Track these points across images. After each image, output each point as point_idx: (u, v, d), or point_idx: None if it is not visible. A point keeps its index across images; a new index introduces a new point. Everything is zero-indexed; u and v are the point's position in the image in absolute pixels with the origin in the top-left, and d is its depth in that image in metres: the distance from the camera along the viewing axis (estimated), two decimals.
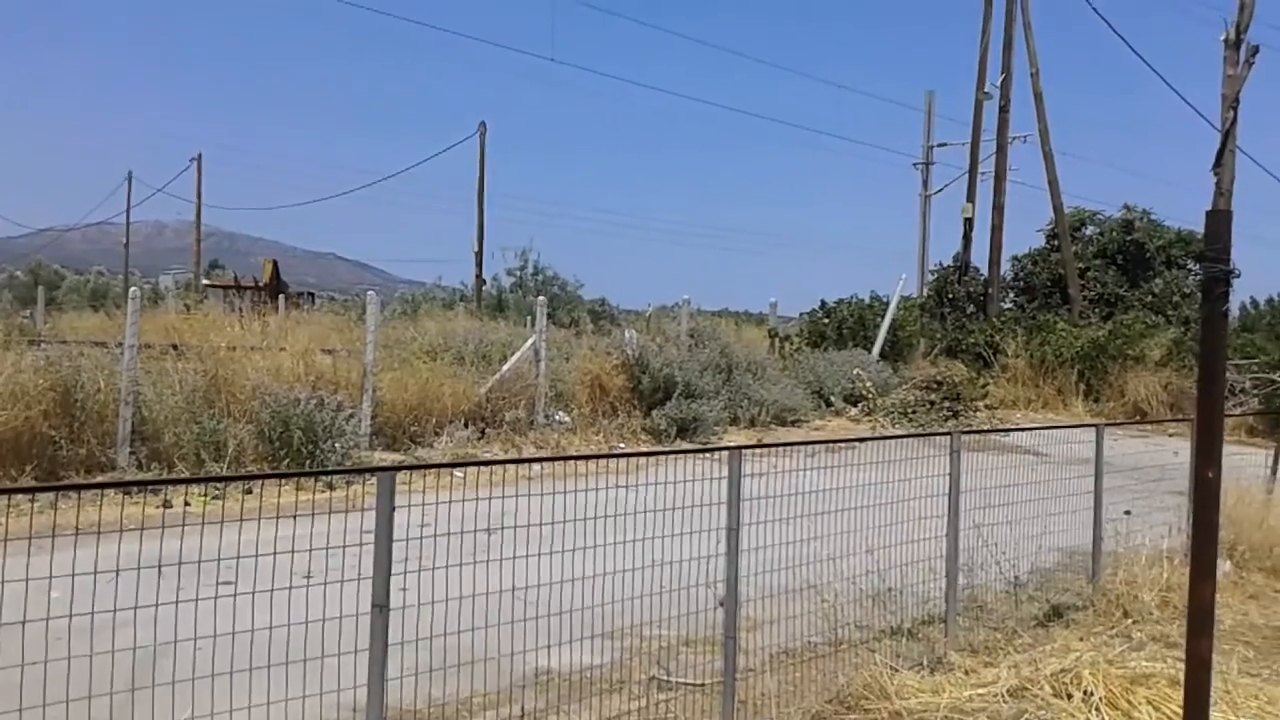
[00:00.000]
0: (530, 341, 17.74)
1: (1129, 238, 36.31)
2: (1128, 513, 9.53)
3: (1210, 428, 3.87)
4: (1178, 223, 37.52)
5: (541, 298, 19.52)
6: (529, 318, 24.46)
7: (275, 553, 4.13)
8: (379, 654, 4.15)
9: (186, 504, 10.45)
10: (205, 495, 10.57)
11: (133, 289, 14.07)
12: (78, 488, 5.78)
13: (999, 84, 31.32)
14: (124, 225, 70.31)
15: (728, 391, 19.88)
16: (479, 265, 43.40)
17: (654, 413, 17.85)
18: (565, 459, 5.73)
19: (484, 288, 42.76)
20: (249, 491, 10.30)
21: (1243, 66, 9.72)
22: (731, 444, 10.72)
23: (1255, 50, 9.70)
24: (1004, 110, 31.38)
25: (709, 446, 15.84)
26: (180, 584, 3.99)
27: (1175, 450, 11.35)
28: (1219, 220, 3.82)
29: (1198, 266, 35.86)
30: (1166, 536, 8.72)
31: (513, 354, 17.72)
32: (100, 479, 11.14)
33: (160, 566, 3.93)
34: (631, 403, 18.19)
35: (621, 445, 16.55)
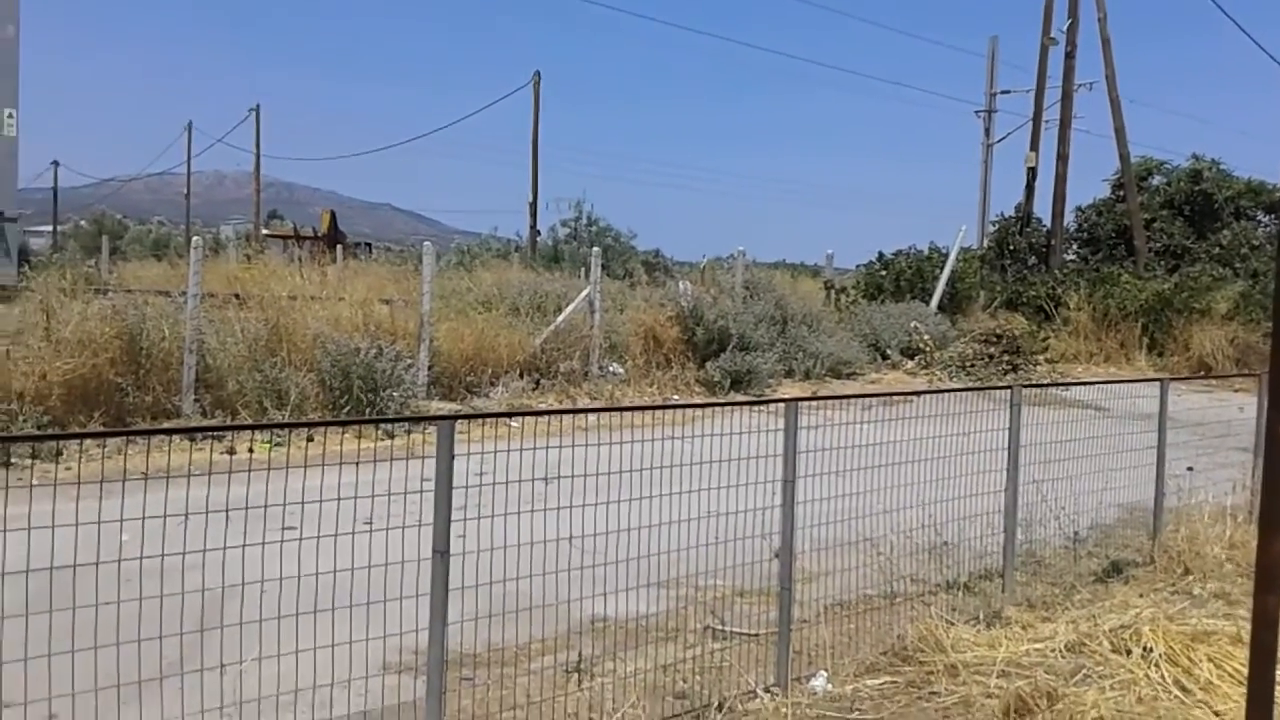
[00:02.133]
0: (584, 293, 17.76)
1: (1197, 188, 35.39)
2: (1190, 469, 9.38)
3: None
4: (1248, 173, 36.51)
5: (596, 249, 19.52)
6: (583, 269, 24.49)
7: (338, 499, 4.20)
8: (440, 599, 4.22)
9: (250, 450, 10.64)
10: (269, 442, 10.76)
11: (195, 239, 14.27)
12: (145, 433, 5.90)
13: (1065, 29, 30.51)
14: (185, 175, 71.29)
15: (782, 344, 19.78)
16: (533, 216, 43.47)
17: (708, 364, 17.83)
18: (620, 410, 5.74)
19: (538, 239, 42.83)
20: (310, 439, 10.41)
21: None
22: (786, 396, 10.70)
23: None
24: (1070, 56, 30.57)
25: (764, 399, 15.81)
26: (245, 528, 4.08)
27: (1241, 406, 11.14)
28: None
29: (1268, 217, 34.95)
30: (1230, 493, 8.58)
31: (567, 305, 17.76)
32: (166, 425, 11.39)
33: (227, 511, 4.02)
34: (685, 354, 18.18)
35: (675, 397, 16.57)
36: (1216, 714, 4.80)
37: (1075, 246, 35.72)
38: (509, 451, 4.70)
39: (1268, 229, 34.84)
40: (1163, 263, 32.06)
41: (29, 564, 3.50)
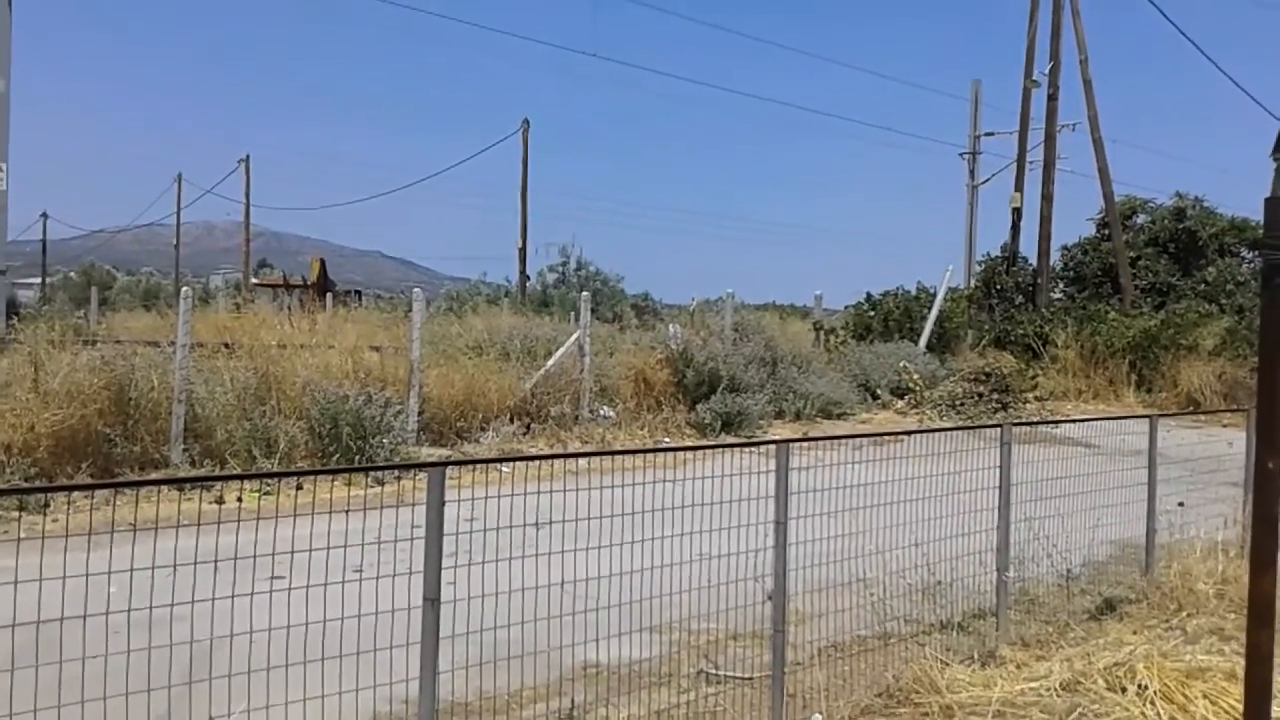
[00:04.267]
0: (574, 337, 17.79)
1: (1181, 225, 35.73)
2: (1181, 504, 9.39)
3: (1272, 416, 3.79)
4: (1231, 210, 36.88)
5: (585, 293, 19.57)
6: (573, 313, 24.55)
7: (328, 547, 4.18)
8: (430, 647, 4.18)
9: (239, 500, 10.58)
10: (257, 491, 10.71)
11: (184, 289, 14.28)
12: (134, 484, 5.87)
13: (1047, 72, 30.92)
14: (174, 226, 71.41)
15: (772, 385, 19.82)
16: (522, 262, 43.69)
17: (699, 407, 17.84)
18: (611, 454, 5.72)
19: (528, 284, 43.01)
20: (300, 487, 10.42)
21: None
22: (777, 437, 10.71)
23: None
24: (1052, 98, 30.97)
25: (754, 440, 15.81)
26: (235, 578, 4.05)
27: (1229, 441, 11.18)
28: (1279, 207, 3.74)
29: (1252, 254, 35.22)
30: (1221, 528, 8.58)
31: (557, 349, 17.78)
32: (155, 476, 11.33)
33: (215, 562, 3.99)
34: (676, 397, 18.19)
35: (666, 439, 16.56)
36: None
37: (1061, 285, 35.96)
38: (500, 497, 4.69)
39: (1252, 265, 35.11)
40: (1149, 300, 32.28)
41: (15, 618, 3.47)
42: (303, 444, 12.80)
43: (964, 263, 40.21)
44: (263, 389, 13.31)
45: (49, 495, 9.87)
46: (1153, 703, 5.13)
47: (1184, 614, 7.35)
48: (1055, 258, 34.46)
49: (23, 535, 8.52)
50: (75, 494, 9.73)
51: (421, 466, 4.61)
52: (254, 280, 51.65)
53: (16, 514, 9.53)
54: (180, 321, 12.85)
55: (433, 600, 4.19)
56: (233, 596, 3.99)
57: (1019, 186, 32.42)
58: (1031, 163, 32.24)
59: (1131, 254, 33.84)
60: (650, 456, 8.77)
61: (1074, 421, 9.91)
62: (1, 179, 22.31)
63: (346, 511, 4.54)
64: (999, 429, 7.15)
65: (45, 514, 9.58)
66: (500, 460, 5.56)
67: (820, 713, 5.44)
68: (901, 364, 23.18)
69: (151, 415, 12.26)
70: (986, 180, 42.14)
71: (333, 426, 12.88)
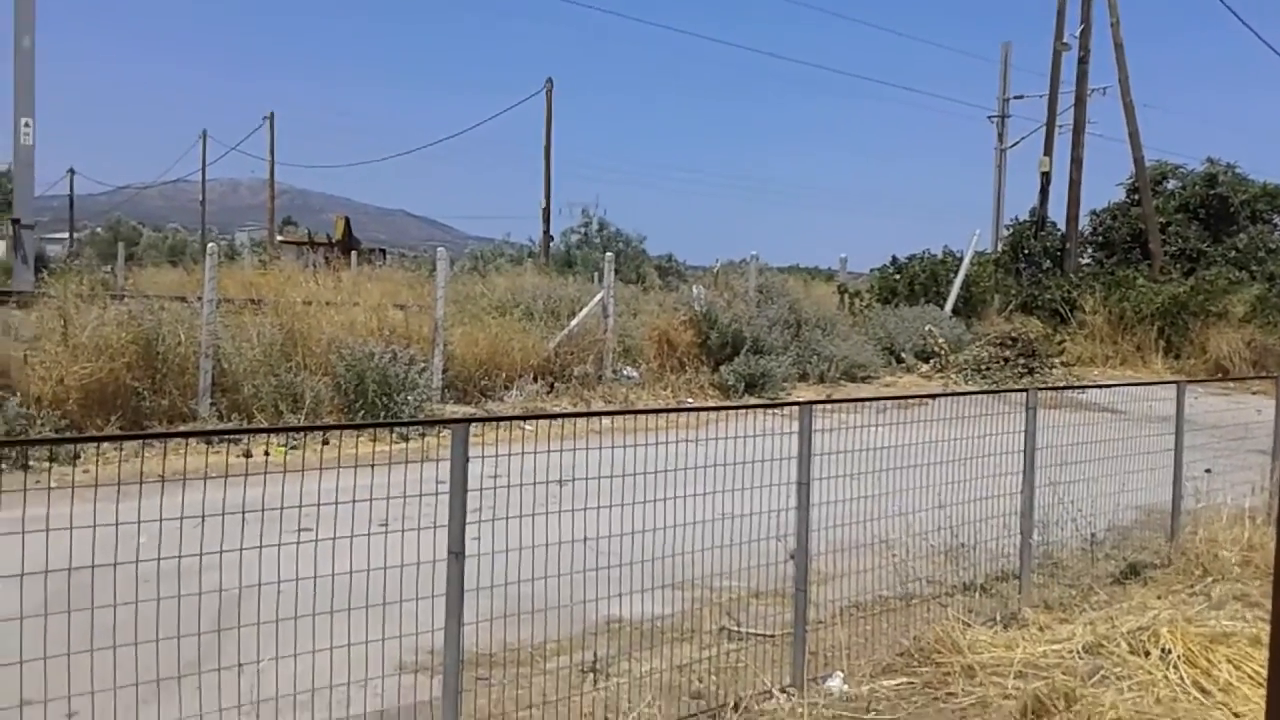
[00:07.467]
0: (598, 297, 17.77)
1: (1212, 191, 35.24)
2: (1208, 471, 9.32)
3: None
4: (1264, 176, 36.37)
5: (609, 254, 19.51)
6: (596, 274, 24.50)
7: (353, 501, 4.21)
8: (455, 599, 4.22)
9: (266, 453, 10.69)
10: (284, 445, 10.81)
11: (210, 245, 14.34)
12: (162, 436, 5.93)
13: (1077, 34, 30.42)
14: (200, 183, 71.67)
15: (796, 347, 19.77)
16: (546, 222, 43.56)
17: (722, 368, 17.82)
18: (634, 413, 5.72)
19: (551, 244, 42.93)
20: (326, 442, 10.48)
21: None
22: (801, 399, 10.70)
23: None
24: (1083, 61, 30.48)
25: (778, 401, 15.79)
26: (262, 530, 4.09)
27: (1259, 408, 11.09)
28: None
29: None
30: (1249, 495, 8.52)
31: (580, 310, 17.77)
32: (183, 429, 11.44)
33: (243, 513, 4.03)
34: (699, 358, 18.17)
35: (689, 400, 16.57)
36: (1236, 715, 4.77)
37: (1090, 250, 35.59)
38: (523, 454, 4.71)
39: None
40: (1178, 266, 31.91)
41: (48, 565, 3.53)
42: (328, 400, 12.88)
43: (991, 227, 39.89)
44: (289, 345, 13.38)
45: (79, 446, 10.00)
46: (1176, 667, 5.13)
47: (1209, 580, 7.32)
48: (1084, 223, 34.12)
49: (54, 485, 8.66)
50: (105, 445, 9.88)
51: (446, 423, 4.63)
52: (279, 238, 51.76)
53: (47, 464, 9.66)
54: (206, 278, 12.91)
55: (457, 554, 4.22)
56: (260, 547, 4.03)
57: (1048, 150, 32.03)
58: (1061, 126, 31.83)
59: (1161, 220, 33.43)
60: (673, 417, 8.78)
61: (1101, 387, 9.83)
62: (28, 134, 22.43)
63: (372, 466, 4.57)
64: (1024, 393, 7.11)
65: (75, 465, 9.71)
66: (524, 418, 5.59)
67: (841, 670, 5.47)
68: (927, 328, 23.04)
69: (179, 369, 12.35)
70: (1015, 144, 41.73)
71: (358, 383, 12.96)
